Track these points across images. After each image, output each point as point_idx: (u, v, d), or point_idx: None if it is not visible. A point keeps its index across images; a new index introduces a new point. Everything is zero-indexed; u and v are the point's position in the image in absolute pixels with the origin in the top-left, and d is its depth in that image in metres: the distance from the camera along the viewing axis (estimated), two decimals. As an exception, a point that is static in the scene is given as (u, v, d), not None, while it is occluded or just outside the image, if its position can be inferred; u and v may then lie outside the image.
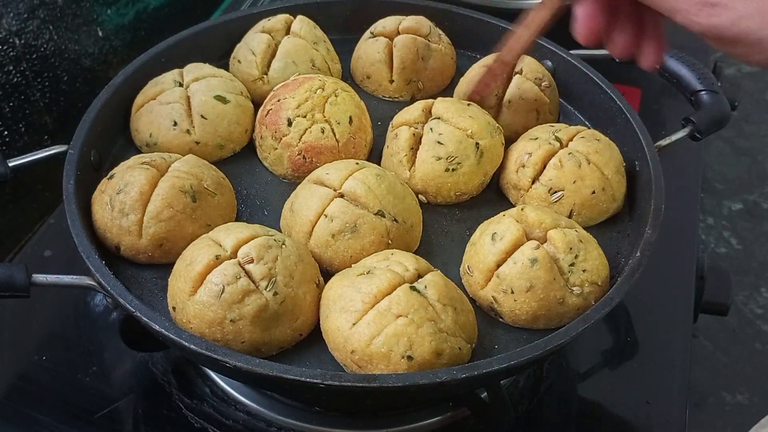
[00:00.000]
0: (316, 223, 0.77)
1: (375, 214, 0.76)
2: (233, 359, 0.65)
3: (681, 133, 0.90)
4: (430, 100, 0.88)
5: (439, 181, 0.84)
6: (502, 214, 0.79)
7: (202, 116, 0.87)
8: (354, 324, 0.68)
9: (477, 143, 0.83)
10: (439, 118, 0.85)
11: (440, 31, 1.02)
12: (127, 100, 0.91)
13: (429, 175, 0.84)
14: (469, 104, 0.88)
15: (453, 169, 0.83)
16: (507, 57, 0.88)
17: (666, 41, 0.68)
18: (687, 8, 0.57)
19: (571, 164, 0.83)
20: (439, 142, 0.83)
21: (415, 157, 0.85)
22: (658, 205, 0.80)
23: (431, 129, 0.84)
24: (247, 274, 0.70)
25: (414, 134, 0.85)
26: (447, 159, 0.83)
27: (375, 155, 0.91)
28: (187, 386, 0.85)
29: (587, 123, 0.98)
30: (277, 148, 0.86)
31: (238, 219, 0.83)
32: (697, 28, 0.57)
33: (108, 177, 0.79)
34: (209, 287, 0.69)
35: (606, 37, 0.68)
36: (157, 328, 0.67)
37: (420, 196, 0.85)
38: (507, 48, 0.87)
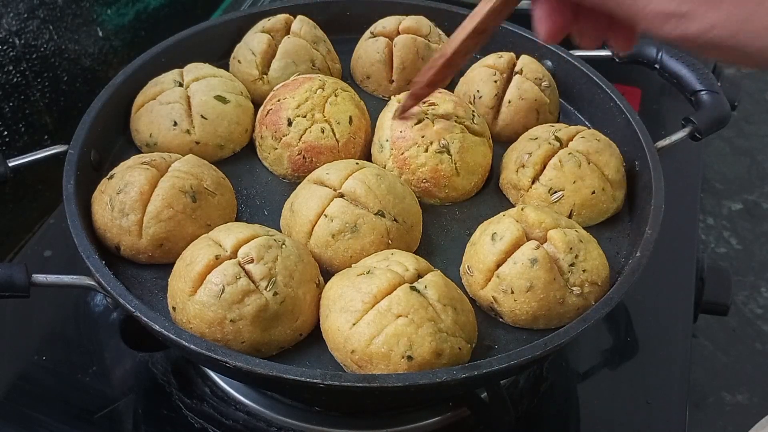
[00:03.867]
0: (316, 223, 0.77)
1: (375, 214, 0.76)
2: (233, 359, 0.65)
3: (681, 133, 0.90)
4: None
5: None
6: (502, 214, 0.79)
7: (202, 116, 0.87)
8: (354, 324, 0.68)
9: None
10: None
11: (440, 31, 1.02)
12: (127, 100, 0.91)
13: None
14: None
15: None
16: (446, 49, 0.79)
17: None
18: (651, 19, 0.52)
19: (571, 164, 0.83)
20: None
21: None
22: (658, 205, 0.80)
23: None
24: (247, 274, 0.70)
25: None
26: None
27: (375, 155, 0.91)
28: (187, 386, 0.85)
29: (587, 123, 0.98)
30: (277, 148, 0.86)
31: (238, 219, 0.83)
32: (665, 38, 0.53)
33: (108, 177, 0.79)
34: (209, 287, 0.69)
35: (572, 31, 0.63)
36: (157, 328, 0.67)
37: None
38: (448, 41, 0.80)
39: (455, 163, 0.84)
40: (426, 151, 0.84)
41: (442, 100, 0.87)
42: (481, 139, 0.87)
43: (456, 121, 0.85)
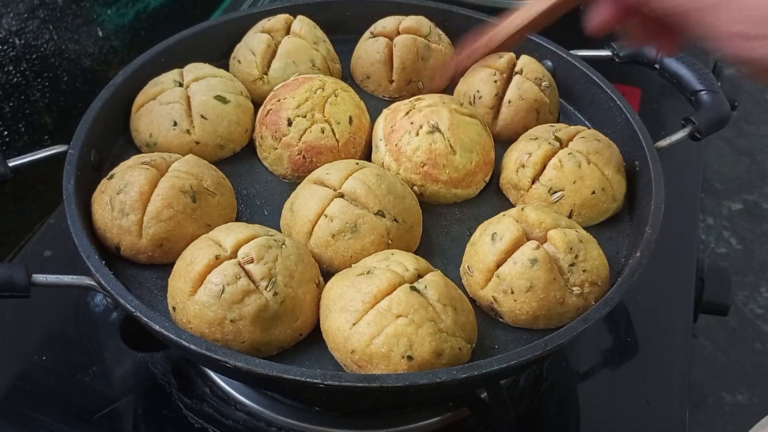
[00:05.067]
0: (316, 223, 0.77)
1: (375, 214, 0.76)
2: (233, 359, 0.65)
3: (681, 133, 0.90)
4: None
5: None
6: (502, 214, 0.79)
7: (202, 116, 0.87)
8: (354, 324, 0.68)
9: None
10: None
11: (440, 31, 1.02)
12: (127, 100, 0.91)
13: None
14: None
15: None
16: (493, 39, 0.88)
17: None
18: (731, 39, 0.52)
19: (571, 164, 0.83)
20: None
21: None
22: (658, 205, 0.80)
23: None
24: (247, 274, 0.70)
25: None
26: None
27: (375, 155, 0.91)
28: (187, 386, 0.85)
29: (587, 123, 0.98)
30: (277, 148, 0.87)
31: (238, 219, 0.83)
32: (742, 57, 0.52)
33: (108, 177, 0.79)
34: (209, 287, 0.69)
35: (619, 29, 0.66)
36: (157, 328, 0.67)
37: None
38: (495, 31, 0.87)
39: (448, 140, 0.84)
40: (417, 135, 0.84)
41: (427, 96, 0.89)
42: (472, 120, 0.87)
43: (442, 106, 0.86)
